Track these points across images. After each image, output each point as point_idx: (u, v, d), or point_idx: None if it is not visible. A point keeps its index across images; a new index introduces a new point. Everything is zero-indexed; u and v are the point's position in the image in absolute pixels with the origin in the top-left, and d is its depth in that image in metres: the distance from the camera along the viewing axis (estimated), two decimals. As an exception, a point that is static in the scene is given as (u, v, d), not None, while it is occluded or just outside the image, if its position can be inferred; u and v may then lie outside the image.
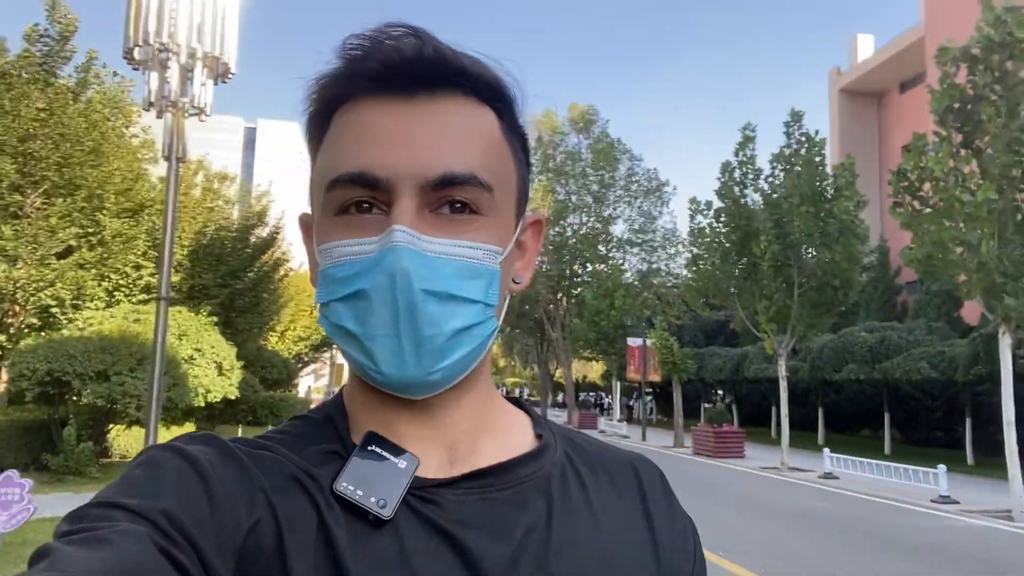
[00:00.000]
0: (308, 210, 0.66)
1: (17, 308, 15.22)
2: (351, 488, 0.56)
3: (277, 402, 25.33)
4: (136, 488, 0.51)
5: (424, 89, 0.58)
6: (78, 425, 12.07)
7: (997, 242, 10.95)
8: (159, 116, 8.29)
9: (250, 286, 20.36)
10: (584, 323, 31.91)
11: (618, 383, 34.66)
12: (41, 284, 14.78)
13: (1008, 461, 11.38)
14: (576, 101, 51.41)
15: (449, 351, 0.57)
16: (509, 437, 0.67)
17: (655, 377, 27.13)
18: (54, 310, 15.16)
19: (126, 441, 14.44)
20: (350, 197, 0.58)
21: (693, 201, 20.15)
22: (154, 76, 8.13)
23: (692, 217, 20.25)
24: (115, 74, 18.09)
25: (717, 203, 19.61)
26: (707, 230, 19.85)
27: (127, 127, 18.35)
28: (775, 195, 18.31)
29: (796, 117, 18.39)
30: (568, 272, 38.46)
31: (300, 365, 33.05)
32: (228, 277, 19.11)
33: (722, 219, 19.41)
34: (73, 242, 15.37)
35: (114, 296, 16.06)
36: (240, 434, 17.83)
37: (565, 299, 39.03)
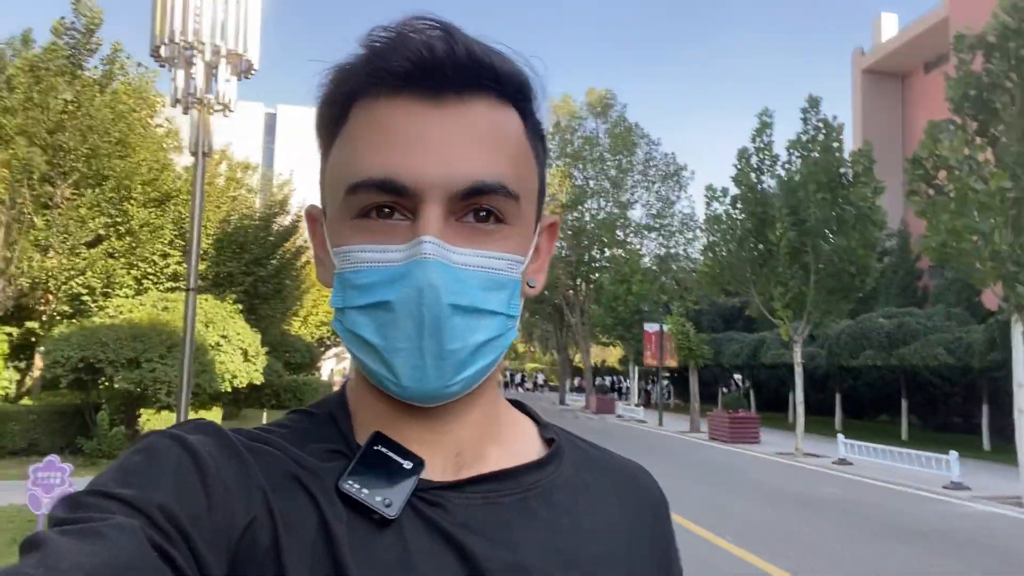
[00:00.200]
0: (317, 202, 0.65)
1: (49, 296, 15.74)
2: (356, 486, 0.56)
3: (300, 386, 25.90)
4: (134, 477, 0.50)
5: (453, 91, 0.57)
6: (110, 410, 12.55)
7: (1011, 231, 10.97)
8: (185, 112, 8.62)
9: (273, 273, 20.80)
10: (602, 308, 32.09)
11: (636, 368, 34.84)
12: (72, 272, 15.25)
13: (1018, 448, 11.46)
14: (593, 85, 51.21)
15: (470, 363, 0.57)
16: (516, 443, 0.67)
17: (671, 362, 27.28)
18: (85, 298, 15.64)
19: (156, 425, 14.95)
20: (373, 202, 0.57)
21: (709, 188, 20.20)
22: (180, 74, 8.45)
23: (708, 204, 20.32)
24: (139, 65, 18.47)
25: (734, 190, 19.65)
26: (723, 217, 19.90)
27: (151, 117, 18.75)
28: (792, 181, 18.30)
29: (813, 103, 18.32)
30: (586, 257, 38.60)
31: (322, 349, 33.62)
32: (252, 265, 19.56)
33: (738, 206, 19.46)
34: (102, 231, 15.82)
35: (142, 284, 16.51)
36: (265, 418, 18.34)
37: (584, 284, 39.20)
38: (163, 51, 8.40)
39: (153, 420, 14.83)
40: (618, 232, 38.50)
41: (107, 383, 12.56)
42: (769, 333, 26.75)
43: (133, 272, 16.46)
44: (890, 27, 41.94)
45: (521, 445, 0.67)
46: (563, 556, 0.59)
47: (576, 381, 54.45)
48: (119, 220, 16.17)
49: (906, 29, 39.58)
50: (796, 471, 15.20)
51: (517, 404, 0.73)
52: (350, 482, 0.56)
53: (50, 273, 14.80)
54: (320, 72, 0.60)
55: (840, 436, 17.06)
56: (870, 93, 41.37)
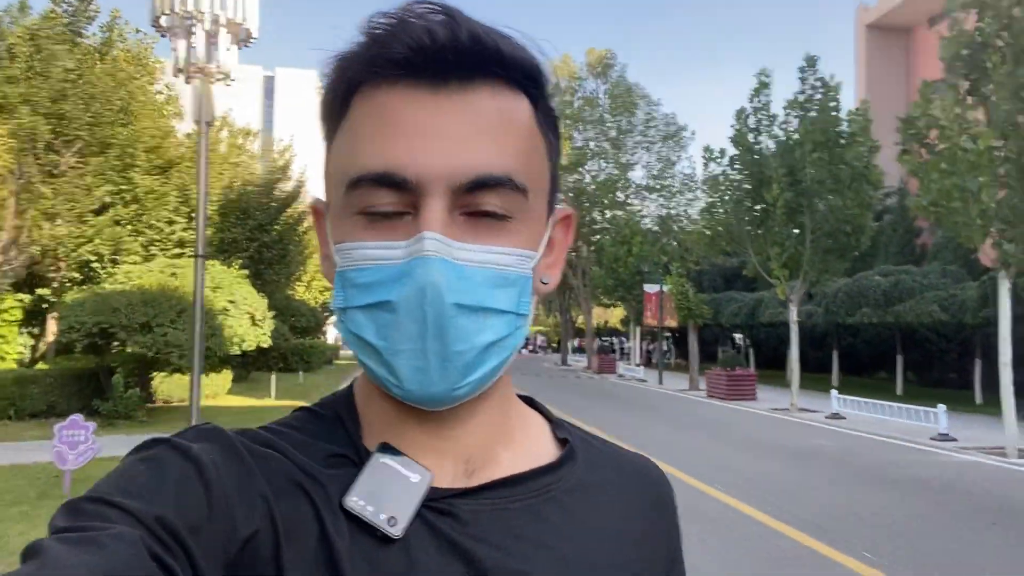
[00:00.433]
0: (321, 195, 0.63)
1: (59, 263, 16.09)
2: (361, 503, 0.55)
3: (307, 349, 26.39)
4: (136, 487, 0.50)
5: (456, 78, 0.54)
6: (124, 373, 12.98)
7: (1005, 190, 11.14)
8: (188, 82, 8.82)
9: (277, 239, 21.13)
10: (603, 270, 32.40)
11: (637, 328, 35.28)
12: (81, 240, 15.57)
13: (1003, 400, 11.85)
14: (593, 45, 50.63)
15: (478, 365, 0.55)
16: (528, 445, 0.65)
17: (672, 322, 27.70)
18: (94, 265, 15.99)
19: (169, 387, 15.43)
20: (374, 198, 0.54)
21: (707, 149, 20.32)
22: (181, 44, 8.64)
23: (706, 165, 20.46)
24: (137, 31, 18.53)
25: (731, 150, 19.78)
26: (721, 178, 20.06)
27: (151, 84, 18.85)
28: (789, 141, 18.41)
29: (811, 62, 18.33)
30: (587, 219, 38.77)
31: (327, 313, 34.09)
32: (256, 231, 19.87)
33: (735, 166, 19.60)
34: (108, 199, 16.09)
35: (149, 250, 16.84)
36: (274, 380, 18.81)
37: (585, 246, 39.46)
38: (163, 21, 8.61)
39: (165, 383, 15.32)
40: (619, 193, 38.59)
41: (121, 347, 12.97)
42: (767, 292, 27.07)
43: (140, 239, 16.77)
44: (895, -19, 41.27)
45: (533, 446, 0.65)
46: (570, 564, 0.58)
47: (577, 342, 55.06)
48: (124, 188, 16.42)
49: (911, -17, 38.95)
50: (789, 425, 15.65)
51: (528, 400, 0.70)
52: (355, 498, 0.55)
53: (59, 241, 15.11)
54: (323, 58, 0.58)
55: (834, 391, 17.50)
56: (873, 48, 40.92)
